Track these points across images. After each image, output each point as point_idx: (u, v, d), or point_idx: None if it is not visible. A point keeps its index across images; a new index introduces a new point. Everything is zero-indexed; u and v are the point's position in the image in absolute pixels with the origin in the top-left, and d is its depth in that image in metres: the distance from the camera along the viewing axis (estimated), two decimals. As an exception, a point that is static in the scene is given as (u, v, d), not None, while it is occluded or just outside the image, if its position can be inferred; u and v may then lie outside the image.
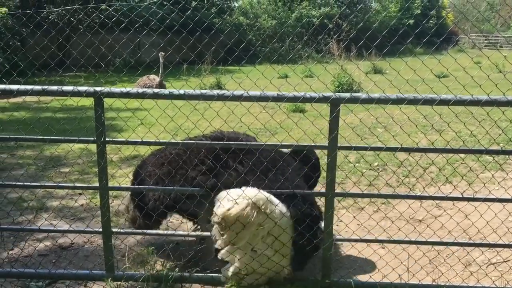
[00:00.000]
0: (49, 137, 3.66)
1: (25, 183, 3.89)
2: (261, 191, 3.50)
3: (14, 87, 3.46)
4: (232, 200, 3.41)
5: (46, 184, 4.12)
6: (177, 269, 3.79)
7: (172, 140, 3.90)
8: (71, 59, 4.28)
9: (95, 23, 14.91)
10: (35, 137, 3.70)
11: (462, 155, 6.86)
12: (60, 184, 3.91)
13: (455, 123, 8.92)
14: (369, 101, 3.40)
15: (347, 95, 3.44)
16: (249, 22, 27.82)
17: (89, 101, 4.02)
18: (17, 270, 3.80)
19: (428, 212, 4.58)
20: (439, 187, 4.82)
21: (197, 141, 3.91)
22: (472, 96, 3.36)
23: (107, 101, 3.66)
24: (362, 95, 3.43)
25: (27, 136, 3.68)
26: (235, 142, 3.89)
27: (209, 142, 3.89)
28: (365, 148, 3.62)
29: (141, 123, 4.44)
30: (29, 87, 3.48)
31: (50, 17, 17.15)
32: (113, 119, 9.29)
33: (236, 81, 4.07)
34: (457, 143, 8.07)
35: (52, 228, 4.01)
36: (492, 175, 5.59)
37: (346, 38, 19.10)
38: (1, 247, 4.56)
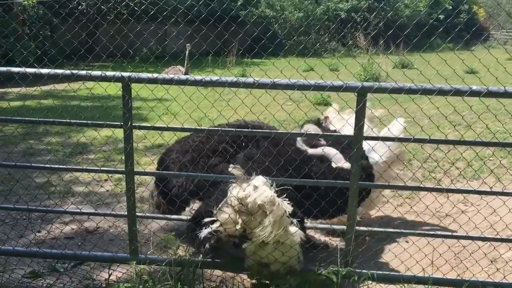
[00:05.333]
0: (77, 121, 3.72)
1: (53, 166, 3.96)
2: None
3: (45, 71, 3.53)
4: (254, 186, 3.37)
5: (73, 167, 4.19)
6: (200, 255, 3.82)
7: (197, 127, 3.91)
8: (99, 48, 4.33)
9: (124, 12, 15.06)
10: (64, 120, 3.76)
11: (490, 151, 6.70)
12: (87, 168, 3.97)
13: (485, 119, 8.71)
14: (398, 90, 3.33)
15: (375, 84, 3.39)
16: (275, 15, 27.68)
17: (115, 90, 4.06)
18: (43, 251, 3.88)
19: (455, 205, 4.49)
20: (467, 181, 4.72)
21: (221, 129, 3.92)
22: (505, 87, 3.27)
23: (134, 90, 3.69)
24: (390, 84, 3.36)
25: (56, 120, 3.74)
26: (259, 130, 3.89)
27: (233, 129, 3.89)
28: (392, 139, 3.57)
29: (166, 110, 4.47)
30: (59, 71, 3.54)
31: (79, 7, 17.42)
32: (138, 108, 9.40)
33: (261, 74, 4.05)
34: (487, 138, 7.88)
35: (78, 210, 4.07)
36: (522, 171, 5.46)
37: (373, 31, 18.84)
38: (28, 228, 4.67)
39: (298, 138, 4.15)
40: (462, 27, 4.10)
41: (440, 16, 30.55)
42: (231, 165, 3.52)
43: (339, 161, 4.07)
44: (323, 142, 4.27)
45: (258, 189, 3.28)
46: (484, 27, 34.08)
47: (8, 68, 3.57)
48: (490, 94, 3.28)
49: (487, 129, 7.79)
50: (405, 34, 4.20)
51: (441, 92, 3.31)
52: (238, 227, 3.33)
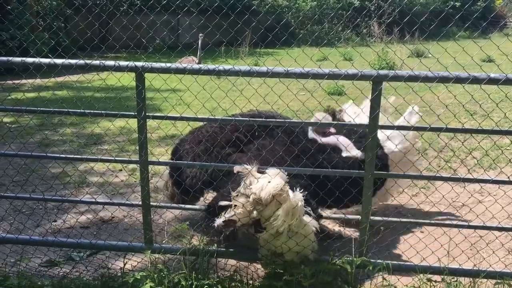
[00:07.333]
0: (92, 111, 3.73)
1: (68, 156, 3.99)
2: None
3: (59, 61, 3.54)
4: (268, 179, 3.36)
5: (87, 157, 4.22)
6: (214, 245, 3.82)
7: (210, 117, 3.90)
8: (113, 39, 4.32)
9: (137, 3, 15.03)
10: (78, 111, 3.77)
11: (508, 140, 6.58)
12: (101, 158, 3.99)
13: (502, 107, 8.57)
14: (414, 78, 3.28)
15: (390, 72, 3.34)
16: (288, 4, 27.43)
17: (128, 80, 4.06)
18: (60, 240, 3.92)
19: (471, 195, 4.42)
20: (484, 170, 4.65)
21: (234, 118, 3.90)
22: (524, 75, 3.20)
23: (147, 80, 3.68)
24: (406, 72, 3.31)
25: (70, 110, 3.75)
26: (272, 119, 3.86)
27: (247, 119, 3.87)
28: (408, 128, 3.52)
29: (179, 100, 4.47)
30: (73, 61, 3.55)
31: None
32: (152, 99, 9.43)
33: (274, 63, 4.02)
34: (504, 127, 7.74)
35: (93, 200, 4.10)
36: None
37: (387, 19, 18.57)
38: (44, 218, 4.72)
39: (310, 127, 4.12)
40: (479, 15, 4.00)
41: (456, 3, 30.01)
42: (235, 167, 3.48)
43: (351, 150, 4.05)
44: (333, 131, 4.24)
45: (272, 181, 3.27)
46: (501, 14, 33.41)
47: (23, 58, 3.58)
48: (509, 81, 3.21)
49: (505, 118, 7.67)
50: (420, 22, 4.13)
51: (459, 80, 3.25)
52: (254, 214, 3.32)
